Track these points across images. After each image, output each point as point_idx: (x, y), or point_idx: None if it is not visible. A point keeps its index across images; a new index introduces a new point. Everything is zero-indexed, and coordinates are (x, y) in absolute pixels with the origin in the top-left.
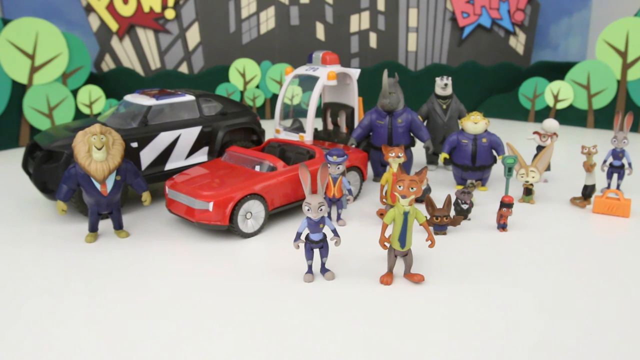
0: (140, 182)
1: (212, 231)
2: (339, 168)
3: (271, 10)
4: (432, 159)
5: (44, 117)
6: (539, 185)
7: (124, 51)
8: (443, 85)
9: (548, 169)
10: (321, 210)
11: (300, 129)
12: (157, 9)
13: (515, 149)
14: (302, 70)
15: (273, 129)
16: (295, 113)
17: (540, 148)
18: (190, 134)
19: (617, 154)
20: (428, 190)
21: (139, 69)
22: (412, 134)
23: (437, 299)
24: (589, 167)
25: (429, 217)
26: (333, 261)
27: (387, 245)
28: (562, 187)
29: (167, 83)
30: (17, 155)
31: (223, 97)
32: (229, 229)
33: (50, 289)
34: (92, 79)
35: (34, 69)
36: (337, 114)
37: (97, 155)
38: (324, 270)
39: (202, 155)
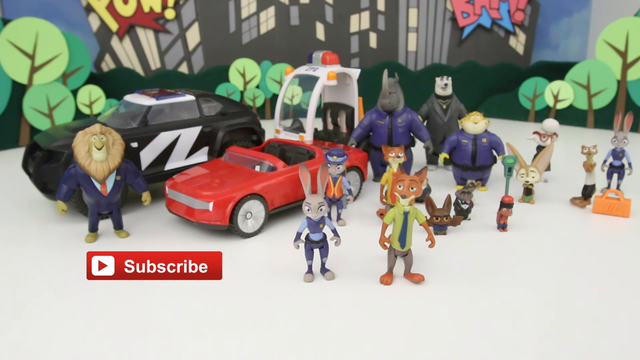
0: (140, 182)
1: (212, 231)
2: (339, 168)
3: (271, 10)
4: (432, 159)
5: (44, 117)
6: (539, 185)
7: (124, 51)
8: (443, 85)
9: (548, 169)
10: (321, 210)
11: (300, 129)
12: (157, 9)
13: (515, 149)
14: (302, 70)
15: (273, 129)
16: (295, 113)
17: (540, 148)
18: (190, 134)
19: (617, 154)
20: (428, 190)
21: (139, 69)
22: (412, 134)
23: (437, 299)
24: (589, 167)
25: (429, 217)
26: (333, 261)
27: (387, 245)
28: (562, 187)
29: (167, 83)
30: (17, 155)
31: (223, 97)
32: (229, 229)
33: (50, 289)
34: (92, 79)
35: (34, 69)
36: (337, 114)
37: (97, 155)
38: (324, 270)
39: (202, 155)
